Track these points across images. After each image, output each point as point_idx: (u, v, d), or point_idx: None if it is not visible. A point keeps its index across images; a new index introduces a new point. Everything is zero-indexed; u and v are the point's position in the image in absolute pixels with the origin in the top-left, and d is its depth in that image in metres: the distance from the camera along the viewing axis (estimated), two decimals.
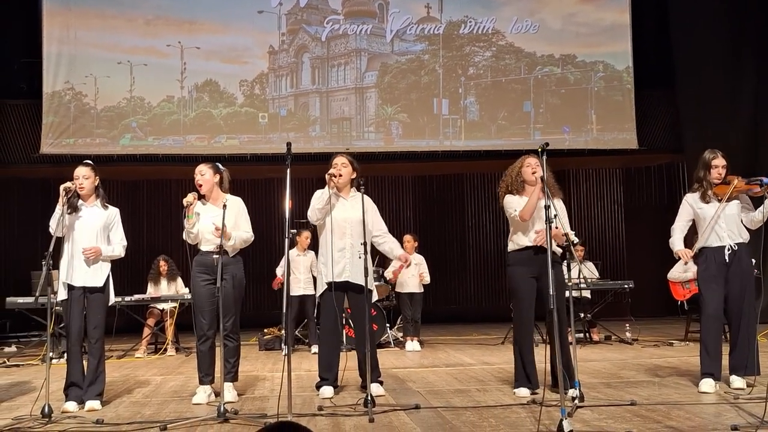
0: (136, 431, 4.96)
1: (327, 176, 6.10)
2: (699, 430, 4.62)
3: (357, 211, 6.05)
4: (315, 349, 8.89)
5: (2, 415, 5.58)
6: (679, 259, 6.15)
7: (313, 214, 6.13)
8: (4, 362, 8.96)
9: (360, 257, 5.93)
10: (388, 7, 13.55)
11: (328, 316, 6.22)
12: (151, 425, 5.08)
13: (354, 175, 6.24)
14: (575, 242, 6.03)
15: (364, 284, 6.05)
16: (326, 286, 6.14)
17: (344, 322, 8.81)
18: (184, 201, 5.90)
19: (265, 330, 10.25)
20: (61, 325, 7.38)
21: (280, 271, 9.72)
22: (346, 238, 6.10)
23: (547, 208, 4.78)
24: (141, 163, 13.55)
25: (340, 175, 6.14)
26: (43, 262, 5.37)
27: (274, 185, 13.97)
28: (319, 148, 12.93)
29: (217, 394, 5.93)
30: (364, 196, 6.04)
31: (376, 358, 6.17)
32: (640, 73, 13.61)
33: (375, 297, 6.41)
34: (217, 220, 5.69)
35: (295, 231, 9.30)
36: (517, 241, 5.98)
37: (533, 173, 5.83)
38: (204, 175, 6.11)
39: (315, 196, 6.17)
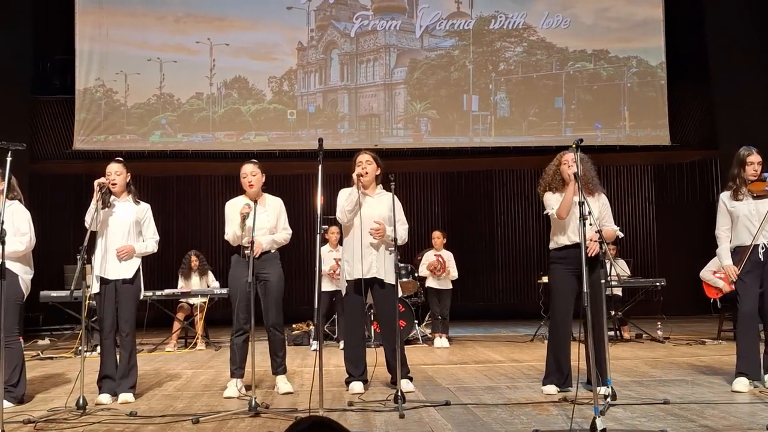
0: (168, 423, 5.00)
1: (354, 177, 6.09)
2: (734, 429, 4.56)
3: (383, 208, 6.08)
4: (343, 344, 8.90)
5: (38, 407, 5.65)
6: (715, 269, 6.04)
7: (342, 215, 6.14)
8: (38, 355, 9.08)
9: (391, 253, 5.94)
10: (417, 2, 13.53)
11: (353, 313, 6.24)
12: (184, 418, 5.11)
13: (378, 172, 6.24)
14: (620, 236, 5.99)
15: (389, 280, 6.07)
16: (348, 283, 6.16)
17: (372, 319, 8.83)
18: (242, 212, 5.92)
19: (294, 325, 10.30)
20: (94, 318, 7.45)
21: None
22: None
23: (581, 204, 4.73)
24: (171, 159, 13.65)
25: (366, 173, 6.14)
26: (78, 257, 5.44)
27: (302, 182, 14.01)
28: (347, 144, 12.94)
29: (248, 388, 5.98)
30: (389, 193, 6.09)
31: (404, 354, 6.16)
32: (672, 68, 13.48)
33: (399, 293, 6.40)
34: (260, 219, 5.77)
35: (326, 227, 9.33)
36: (557, 240, 5.93)
37: (569, 169, 5.78)
38: (255, 176, 6.15)
39: (341, 197, 6.17)
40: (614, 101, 13.49)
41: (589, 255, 5.65)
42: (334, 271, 9.35)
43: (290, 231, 6.29)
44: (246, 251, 5.79)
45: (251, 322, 5.62)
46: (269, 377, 6.49)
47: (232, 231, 6.07)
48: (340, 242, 9.59)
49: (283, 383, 6.16)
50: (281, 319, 6.21)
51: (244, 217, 5.88)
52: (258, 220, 5.79)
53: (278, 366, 6.19)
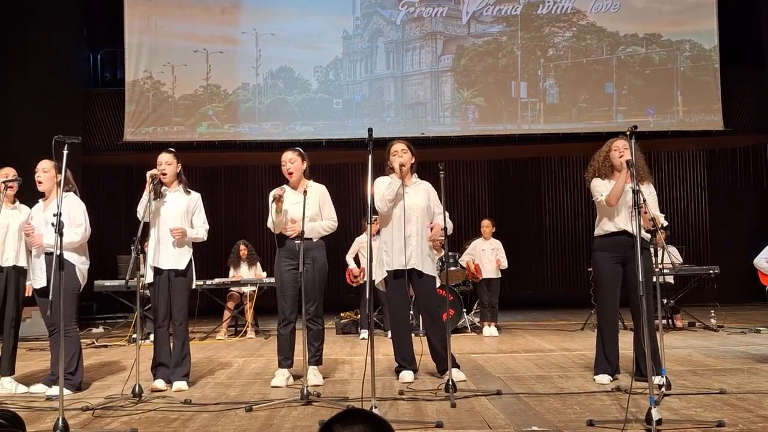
0: (222, 411, 5.05)
1: (397, 167, 6.06)
2: None
3: (420, 198, 6.09)
4: (391, 333, 8.93)
5: (95, 394, 5.77)
6: None
7: (383, 205, 6.09)
8: (93, 343, 9.24)
9: (443, 246, 5.93)
10: None
11: (397, 304, 6.23)
12: (237, 406, 5.17)
13: (413, 161, 6.21)
14: (664, 225, 5.88)
15: (427, 271, 6.09)
16: (387, 274, 6.15)
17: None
18: (273, 194, 5.91)
19: (342, 314, 10.34)
20: (147, 307, 7.56)
21: (350, 259, 9.78)
22: (411, 225, 6.07)
23: (635, 192, 4.64)
24: (218, 150, 13.77)
25: (404, 164, 6.12)
26: (132, 247, 5.51)
27: (349, 170, 14.03)
28: (394, 133, 12.86)
29: (296, 377, 6.02)
30: (423, 181, 6.16)
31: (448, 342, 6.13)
32: (725, 50, 13.21)
33: (437, 283, 6.37)
34: (300, 207, 5.72)
35: (376, 217, 9.32)
36: (603, 226, 5.86)
37: (620, 157, 5.70)
38: (294, 163, 6.12)
39: (379, 186, 6.14)
40: (667, 86, 13.25)
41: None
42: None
43: (335, 219, 6.23)
44: (296, 241, 5.78)
45: (297, 312, 5.63)
46: (320, 366, 6.50)
47: (270, 218, 6.09)
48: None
49: (312, 375, 6.03)
50: (321, 310, 6.13)
51: (275, 200, 5.87)
52: (297, 209, 5.75)
53: (311, 357, 6.04)
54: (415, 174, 6.27)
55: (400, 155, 6.12)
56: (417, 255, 6.06)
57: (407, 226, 6.04)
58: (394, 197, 6.05)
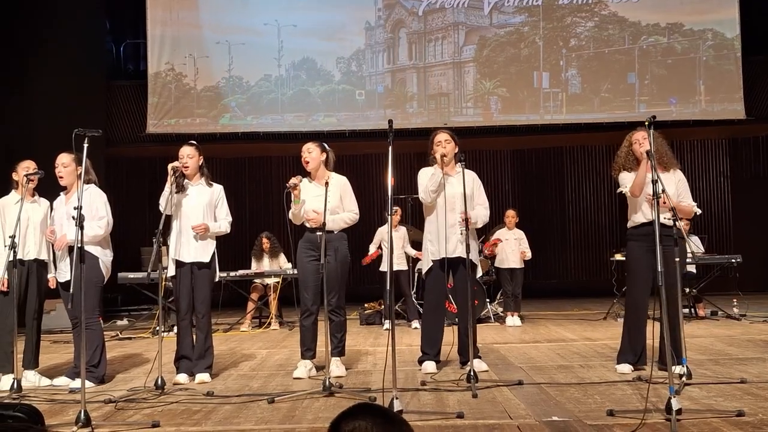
0: (244, 403, 5.09)
1: (438, 157, 6.05)
2: None
3: (464, 187, 6.05)
4: (415, 324, 8.95)
5: (118, 387, 5.82)
6: None
7: (426, 195, 6.09)
8: (117, 335, 9.34)
9: (462, 233, 5.92)
10: None
11: (434, 293, 6.23)
12: (260, 398, 5.20)
13: (456, 150, 6.21)
14: (698, 213, 5.87)
15: (474, 260, 6.07)
16: (432, 263, 6.14)
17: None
18: (289, 183, 5.93)
19: (366, 305, 10.37)
20: (171, 299, 7.62)
21: (373, 248, 9.81)
22: (455, 213, 6.07)
23: (654, 182, 4.63)
24: (241, 141, 13.81)
25: (446, 155, 6.12)
26: (154, 240, 5.54)
27: (372, 161, 14.03)
28: (416, 124, 12.90)
29: (319, 368, 6.05)
30: (468, 170, 6.04)
31: (475, 333, 6.14)
32: (747, 39, 13.08)
33: (479, 272, 6.36)
34: (321, 199, 5.74)
35: (397, 208, 9.34)
36: (634, 218, 5.87)
37: (640, 148, 5.68)
38: (311, 152, 6.15)
39: (423, 176, 6.15)
40: (689, 75, 13.14)
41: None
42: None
43: (357, 212, 6.22)
44: (318, 233, 5.80)
45: (319, 304, 5.64)
46: (343, 358, 6.53)
47: (290, 211, 6.12)
48: (400, 222, 9.71)
49: (335, 366, 6.06)
50: (342, 301, 6.14)
51: (291, 189, 5.89)
52: (319, 201, 5.77)
53: (334, 348, 6.08)
54: (459, 163, 6.26)
55: (444, 146, 6.11)
56: (462, 243, 6.06)
57: (449, 215, 6.03)
58: (437, 188, 6.06)
